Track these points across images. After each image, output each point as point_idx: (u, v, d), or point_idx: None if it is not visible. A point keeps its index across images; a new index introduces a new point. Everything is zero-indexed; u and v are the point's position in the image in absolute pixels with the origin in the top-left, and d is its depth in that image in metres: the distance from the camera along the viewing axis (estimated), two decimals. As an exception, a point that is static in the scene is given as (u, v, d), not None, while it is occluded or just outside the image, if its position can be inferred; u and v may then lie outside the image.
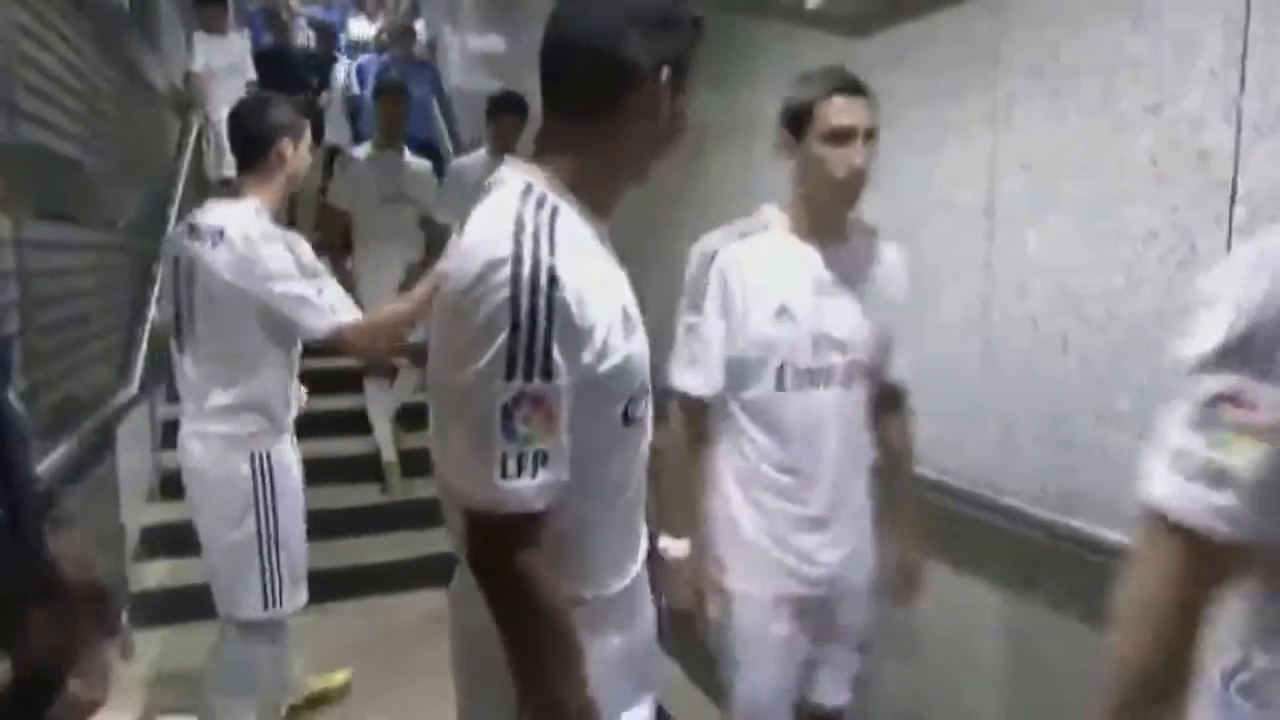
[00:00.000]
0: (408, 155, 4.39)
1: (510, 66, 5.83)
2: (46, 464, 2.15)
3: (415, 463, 4.24)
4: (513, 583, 1.03)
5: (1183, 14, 1.51)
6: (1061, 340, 1.78)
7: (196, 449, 2.26)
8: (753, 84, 2.81)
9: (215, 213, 2.26)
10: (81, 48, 2.90)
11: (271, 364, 2.26)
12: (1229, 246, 1.45)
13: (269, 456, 2.26)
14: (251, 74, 5.77)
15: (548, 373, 0.99)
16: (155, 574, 3.50)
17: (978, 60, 1.94)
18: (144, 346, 3.39)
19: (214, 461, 2.24)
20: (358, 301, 2.37)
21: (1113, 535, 1.60)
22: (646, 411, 1.18)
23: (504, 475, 0.99)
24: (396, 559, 3.86)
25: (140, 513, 3.73)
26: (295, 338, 2.28)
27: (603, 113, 1.11)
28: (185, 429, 2.29)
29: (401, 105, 4.35)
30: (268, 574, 2.25)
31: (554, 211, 1.05)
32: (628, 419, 1.13)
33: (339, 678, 2.93)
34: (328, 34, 7.21)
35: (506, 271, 0.98)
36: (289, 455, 2.35)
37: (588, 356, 1.03)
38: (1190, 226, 1.52)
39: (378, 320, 2.24)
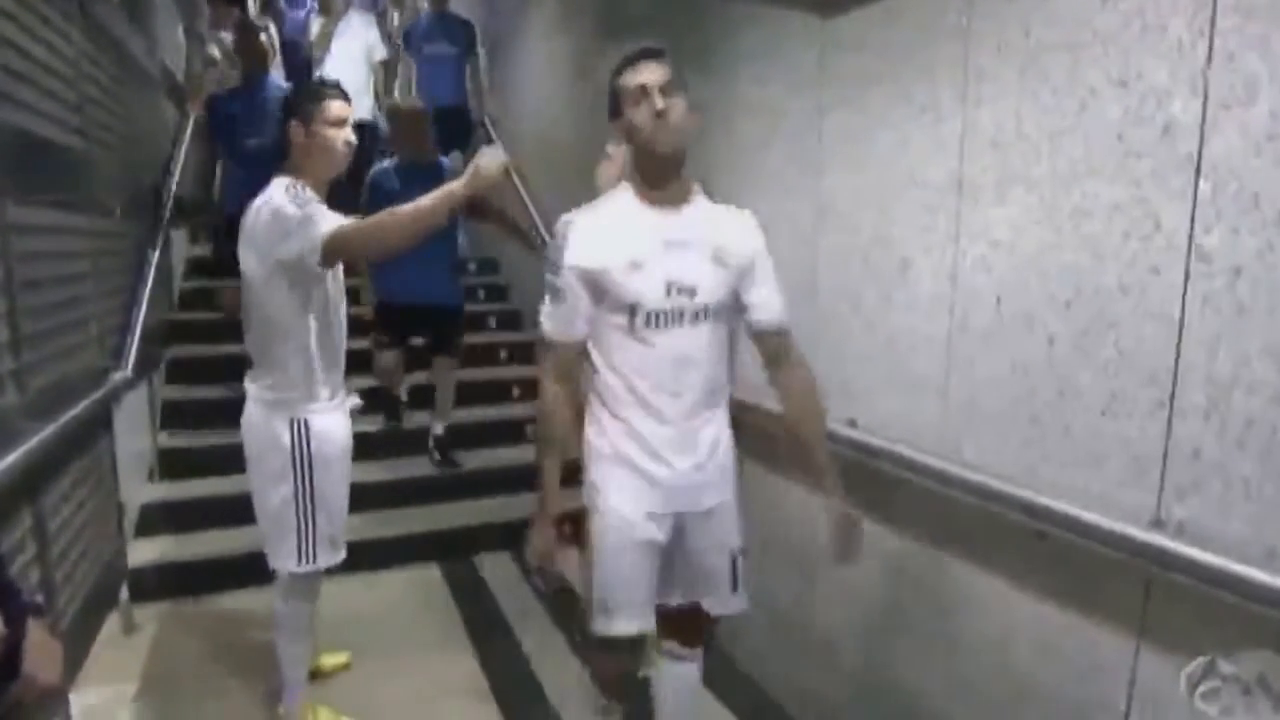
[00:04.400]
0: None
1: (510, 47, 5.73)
2: (35, 442, 2.08)
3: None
4: None
5: (1150, -13, 1.44)
6: (1026, 315, 1.72)
7: (248, 412, 2.33)
8: (732, 65, 2.73)
9: (265, 190, 2.30)
10: (68, 32, 2.79)
11: (302, 334, 2.27)
12: (1192, 220, 1.39)
13: (307, 423, 2.29)
14: None
15: None
16: (155, 550, 3.43)
17: (947, 38, 1.87)
18: (139, 330, 3.29)
19: (260, 425, 2.30)
20: None
21: (1074, 510, 1.55)
22: None
23: None
24: (387, 535, 3.78)
25: (141, 491, 3.65)
26: (312, 277, 2.21)
27: None
28: (247, 394, 2.35)
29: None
30: (304, 533, 2.31)
31: None
32: None
33: (339, 659, 2.85)
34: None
35: None
36: (329, 423, 2.35)
37: None
38: (1153, 201, 1.45)
39: (365, 223, 2.16)
